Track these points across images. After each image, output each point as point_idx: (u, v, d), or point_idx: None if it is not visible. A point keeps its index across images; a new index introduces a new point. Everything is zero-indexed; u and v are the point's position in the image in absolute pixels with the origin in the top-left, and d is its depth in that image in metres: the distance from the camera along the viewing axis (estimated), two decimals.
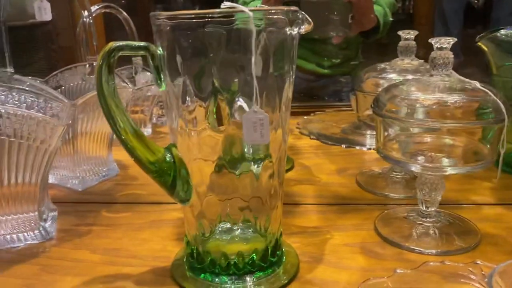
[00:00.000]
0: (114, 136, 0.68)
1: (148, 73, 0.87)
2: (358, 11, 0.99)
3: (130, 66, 0.86)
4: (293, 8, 0.34)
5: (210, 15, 0.32)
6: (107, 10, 0.77)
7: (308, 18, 0.36)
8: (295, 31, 0.35)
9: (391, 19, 1.14)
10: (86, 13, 0.64)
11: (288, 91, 0.36)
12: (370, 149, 0.74)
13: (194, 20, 0.32)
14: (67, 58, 1.19)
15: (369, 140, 0.79)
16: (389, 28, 1.14)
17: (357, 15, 0.99)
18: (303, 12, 0.35)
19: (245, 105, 0.34)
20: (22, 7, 1.17)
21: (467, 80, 0.43)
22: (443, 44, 0.42)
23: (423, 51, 0.62)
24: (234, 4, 0.32)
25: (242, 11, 0.31)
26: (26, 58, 1.22)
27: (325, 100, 1.15)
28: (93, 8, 0.71)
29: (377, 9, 1.08)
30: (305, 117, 0.92)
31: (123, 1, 1.65)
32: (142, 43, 0.34)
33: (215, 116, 0.35)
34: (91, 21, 0.62)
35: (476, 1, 2.20)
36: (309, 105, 1.02)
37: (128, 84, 0.61)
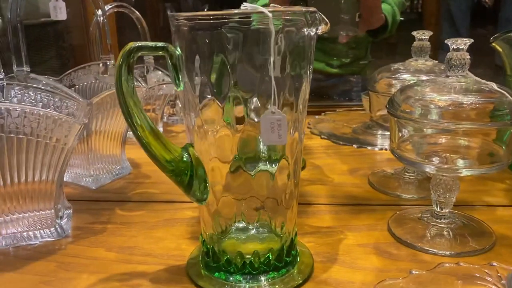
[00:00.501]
0: (129, 134, 0.69)
1: (160, 72, 0.87)
2: (365, 9, 0.99)
3: (141, 65, 0.87)
4: (312, 8, 0.34)
5: (228, 16, 0.32)
6: (120, 10, 0.77)
7: (325, 18, 0.37)
8: (313, 31, 0.35)
9: (401, 18, 1.14)
10: (100, 12, 0.64)
11: (305, 92, 0.36)
12: (381, 149, 0.74)
13: (212, 21, 0.33)
14: (78, 57, 1.20)
15: (380, 140, 0.79)
16: (399, 27, 1.14)
17: (365, 13, 0.99)
18: (320, 13, 0.36)
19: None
20: (35, 6, 1.18)
21: (483, 81, 0.43)
22: (460, 45, 0.42)
23: (432, 51, 0.62)
24: (254, 5, 0.32)
25: (262, 12, 0.31)
26: (37, 57, 1.23)
27: (335, 100, 1.15)
28: (106, 8, 0.71)
29: (386, 8, 1.08)
30: (316, 116, 0.92)
31: (133, 0, 1.66)
32: (160, 44, 0.35)
33: (232, 116, 0.35)
34: (105, 20, 0.63)
35: (486, 1, 2.19)
36: (320, 104, 1.02)
37: (141, 84, 0.62)
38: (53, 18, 0.58)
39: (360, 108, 0.96)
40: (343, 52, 1.24)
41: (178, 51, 0.35)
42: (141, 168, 0.67)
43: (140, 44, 0.33)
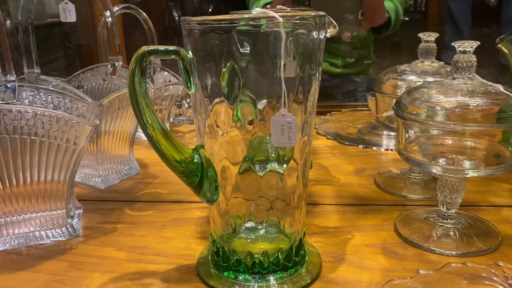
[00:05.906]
0: (137, 134, 0.69)
1: (166, 73, 0.88)
2: (368, 7, 0.99)
3: (148, 66, 0.87)
4: (321, 12, 0.34)
5: (239, 20, 0.33)
6: (127, 11, 0.78)
7: (334, 21, 0.37)
8: (322, 34, 0.35)
9: (406, 18, 1.14)
10: (108, 13, 0.65)
11: (314, 94, 0.37)
12: (387, 149, 0.74)
13: (223, 25, 0.33)
14: (84, 57, 1.21)
15: (386, 140, 0.79)
16: (402, 26, 1.14)
17: (368, 11, 0.99)
18: (329, 16, 0.36)
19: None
20: (41, 6, 1.19)
21: (489, 83, 0.43)
22: (466, 47, 0.42)
23: (436, 51, 0.62)
24: (265, 10, 0.32)
25: (273, 17, 0.32)
26: (44, 57, 1.24)
27: (340, 100, 1.15)
28: (114, 9, 0.72)
29: (388, 5, 1.09)
30: (322, 117, 0.93)
31: (138, 0, 1.67)
32: (172, 47, 0.35)
33: (242, 118, 0.35)
34: (114, 21, 0.63)
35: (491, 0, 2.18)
36: (325, 105, 1.02)
37: (150, 85, 0.62)
38: (63, 20, 0.59)
39: (366, 109, 0.96)
40: (347, 52, 1.25)
41: (190, 54, 0.35)
42: (149, 168, 0.68)
43: (152, 48, 0.34)
